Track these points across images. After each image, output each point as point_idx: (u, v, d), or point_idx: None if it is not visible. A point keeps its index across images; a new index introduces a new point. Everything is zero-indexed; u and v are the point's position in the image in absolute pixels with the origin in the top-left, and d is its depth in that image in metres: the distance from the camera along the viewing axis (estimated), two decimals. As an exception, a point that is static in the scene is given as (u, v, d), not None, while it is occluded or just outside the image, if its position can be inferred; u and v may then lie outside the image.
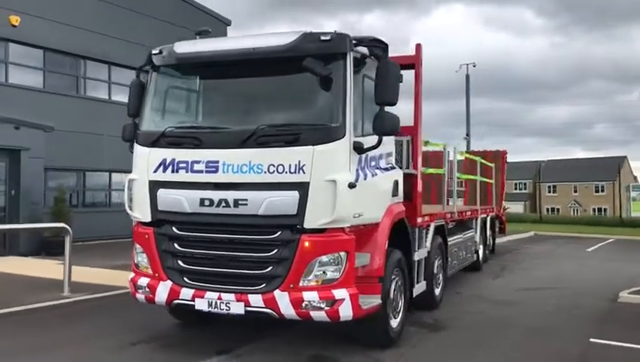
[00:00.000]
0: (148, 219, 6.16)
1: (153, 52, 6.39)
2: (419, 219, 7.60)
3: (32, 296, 8.60)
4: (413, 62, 7.63)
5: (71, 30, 19.12)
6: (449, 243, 9.50)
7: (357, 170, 5.78)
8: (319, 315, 5.55)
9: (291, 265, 5.55)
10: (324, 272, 5.56)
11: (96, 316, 7.86)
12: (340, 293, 5.54)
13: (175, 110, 6.38)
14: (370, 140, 6.03)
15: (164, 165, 6.05)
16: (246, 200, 5.69)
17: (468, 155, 14.05)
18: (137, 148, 6.28)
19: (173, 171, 6.01)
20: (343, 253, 5.59)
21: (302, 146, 5.57)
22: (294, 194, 5.53)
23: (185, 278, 5.98)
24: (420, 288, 7.81)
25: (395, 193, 6.71)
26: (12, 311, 7.87)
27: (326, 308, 5.52)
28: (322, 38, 5.70)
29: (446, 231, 9.25)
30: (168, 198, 6.03)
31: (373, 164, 6.19)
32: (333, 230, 5.59)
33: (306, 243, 5.52)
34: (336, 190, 5.46)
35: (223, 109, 6.35)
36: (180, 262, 6.02)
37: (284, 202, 5.56)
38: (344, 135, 5.59)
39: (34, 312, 7.96)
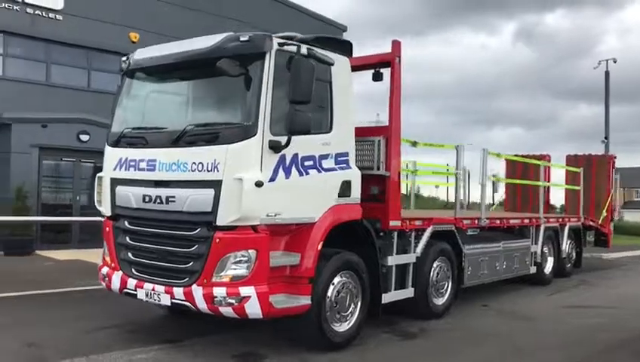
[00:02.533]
0: (109, 213, 6.75)
1: (122, 59, 6.98)
2: (393, 223, 7.30)
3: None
4: (389, 60, 7.38)
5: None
6: (467, 252, 8.90)
7: (275, 168, 5.80)
8: (228, 311, 5.67)
9: (206, 260, 5.75)
10: (234, 269, 5.68)
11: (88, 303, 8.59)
12: (246, 290, 5.61)
13: (135, 112, 6.88)
14: (303, 140, 6.06)
15: (120, 164, 6.59)
16: (174, 197, 6.00)
17: (521, 159, 12.90)
18: (106, 148, 6.91)
19: (126, 169, 6.52)
20: (252, 251, 5.65)
21: (218, 145, 5.76)
22: (210, 192, 5.72)
23: (133, 269, 6.44)
24: (398, 295, 7.49)
25: (343, 194, 6.55)
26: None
27: (233, 304, 5.62)
28: (242, 38, 5.85)
29: (458, 237, 8.68)
30: (122, 194, 6.55)
31: (307, 163, 6.15)
32: (243, 228, 5.69)
33: (217, 240, 5.67)
34: (242, 188, 5.55)
35: (165, 111, 6.74)
36: (129, 254, 6.50)
37: (202, 199, 5.77)
38: (256, 133, 5.66)
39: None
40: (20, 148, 14.86)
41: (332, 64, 6.37)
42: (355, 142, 7.19)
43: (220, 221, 5.67)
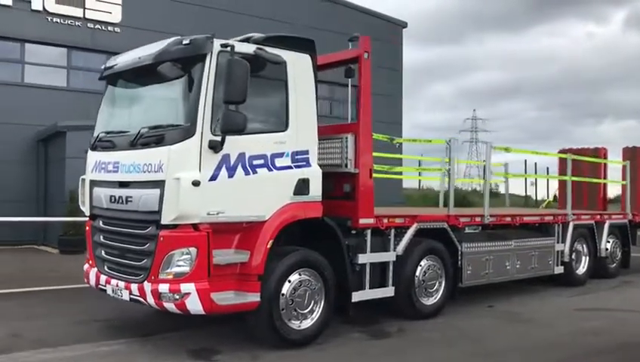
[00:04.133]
0: (88, 213, 7.17)
1: (102, 66, 7.38)
2: (363, 221, 7.19)
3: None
4: (357, 56, 7.28)
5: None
6: (466, 250, 8.56)
7: (216, 168, 5.93)
8: (171, 307, 5.87)
9: (154, 258, 5.98)
10: (177, 266, 5.86)
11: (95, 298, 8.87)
12: (186, 287, 5.78)
13: (109, 117, 7.22)
14: (252, 139, 6.19)
15: (95, 166, 6.99)
16: (132, 197, 6.29)
17: (532, 152, 12.11)
18: (88, 151, 7.34)
19: (99, 171, 6.90)
20: (192, 249, 5.81)
21: (163, 146, 5.99)
22: (157, 192, 5.95)
23: (105, 266, 6.81)
24: (373, 293, 7.37)
25: (300, 192, 6.55)
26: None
27: (175, 300, 5.82)
28: (184, 42, 6.04)
29: (452, 235, 8.37)
30: (96, 195, 6.95)
31: (256, 162, 6.24)
32: (184, 226, 5.87)
33: (162, 238, 5.89)
34: (179, 187, 5.73)
35: (128, 115, 7.01)
36: (102, 252, 6.87)
37: (151, 199, 6.01)
38: (194, 134, 5.82)
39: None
40: (73, 153, 15.93)
41: (281, 63, 6.39)
42: (324, 140, 7.25)
43: (163, 219, 5.88)
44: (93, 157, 7.07)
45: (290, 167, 6.51)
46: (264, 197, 6.30)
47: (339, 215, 7.25)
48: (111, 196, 6.61)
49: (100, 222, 6.91)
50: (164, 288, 5.85)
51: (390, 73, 27.15)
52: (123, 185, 6.45)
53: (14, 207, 16.23)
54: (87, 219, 7.23)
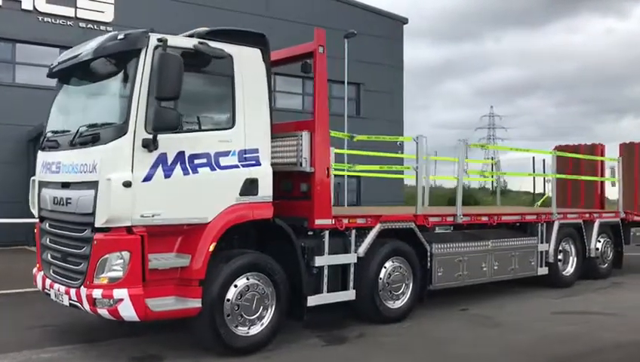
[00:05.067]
0: (36, 214, 6.98)
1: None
2: (320, 221, 6.90)
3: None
4: (312, 51, 6.99)
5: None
6: (437, 251, 8.23)
7: (151, 168, 5.68)
8: (104, 313, 5.64)
9: (89, 262, 5.75)
10: (110, 271, 5.62)
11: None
12: (119, 293, 5.53)
13: (56, 116, 6.98)
14: (193, 137, 5.96)
15: (42, 166, 6.79)
16: (71, 198, 6.07)
17: (511, 148, 11.67)
18: (38, 152, 7.14)
19: (45, 172, 6.70)
20: (125, 253, 5.56)
21: (97, 146, 5.76)
22: (92, 193, 5.72)
23: (50, 270, 6.60)
24: (332, 297, 7.08)
25: (247, 192, 6.28)
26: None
27: (108, 306, 5.58)
28: (119, 37, 5.80)
29: (420, 236, 8.05)
30: (43, 196, 6.74)
31: (197, 161, 5.97)
32: (118, 229, 5.62)
33: (95, 242, 5.66)
34: (110, 189, 5.50)
35: (70, 113, 6.78)
36: (48, 255, 6.66)
37: (87, 201, 5.79)
38: (126, 132, 5.58)
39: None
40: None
41: (225, 57, 6.13)
42: (280, 137, 6.98)
43: (97, 222, 5.65)
44: (40, 157, 6.87)
45: (236, 167, 6.24)
46: (206, 198, 6.03)
47: (296, 215, 6.99)
48: (54, 197, 6.41)
49: (47, 225, 6.71)
50: (97, 293, 5.62)
51: (391, 70, 26.79)
52: (65, 186, 6.24)
53: (6, 208, 16.16)
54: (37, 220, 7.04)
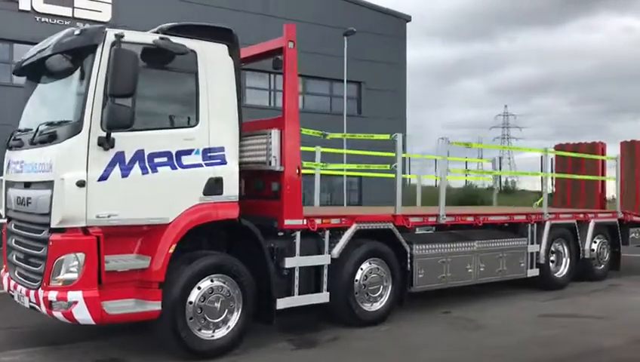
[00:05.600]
0: (3, 215, 6.86)
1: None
2: (290, 221, 6.71)
3: None
4: (281, 47, 6.80)
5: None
6: (418, 253, 8.01)
7: (107, 166, 5.52)
8: (59, 316, 5.50)
9: (46, 263, 5.61)
10: (66, 272, 5.47)
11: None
12: (73, 295, 5.38)
13: (22, 114, 6.86)
14: (153, 135, 5.81)
15: (8, 165, 6.67)
16: (31, 198, 5.94)
17: (489, 146, 11.34)
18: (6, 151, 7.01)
19: (11, 171, 6.58)
20: (80, 254, 5.41)
21: (53, 144, 5.63)
22: (48, 193, 5.58)
23: (15, 271, 6.47)
24: (303, 300, 6.89)
25: (211, 191, 6.10)
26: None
27: (63, 309, 5.44)
28: (75, 32, 5.66)
29: (399, 236, 7.82)
30: (8, 196, 6.62)
31: (157, 160, 5.81)
32: (73, 230, 5.48)
33: (51, 243, 5.51)
34: (64, 188, 5.35)
35: (34, 111, 6.64)
36: (13, 256, 6.53)
37: (44, 201, 5.65)
38: (81, 130, 5.43)
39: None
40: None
41: (188, 53, 5.95)
42: (250, 135, 6.82)
43: (52, 223, 5.51)
44: (7, 156, 6.75)
45: (199, 165, 6.06)
46: (166, 197, 5.86)
47: (267, 216, 6.82)
48: (17, 197, 6.28)
49: (12, 225, 6.59)
50: (53, 296, 5.47)
51: (393, 69, 26.53)
52: (27, 185, 6.11)
53: None
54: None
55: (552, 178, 15.24)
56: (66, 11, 19.04)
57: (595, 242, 11.35)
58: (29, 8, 18.51)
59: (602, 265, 11.51)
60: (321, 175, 9.97)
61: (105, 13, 19.64)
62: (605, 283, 11.13)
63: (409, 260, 7.92)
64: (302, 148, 8.76)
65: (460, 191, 32.49)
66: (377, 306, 7.59)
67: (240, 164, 6.79)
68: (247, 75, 20.49)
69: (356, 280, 7.37)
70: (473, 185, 36.68)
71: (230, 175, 6.25)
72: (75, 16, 19.20)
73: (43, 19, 18.78)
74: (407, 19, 27.26)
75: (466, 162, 12.41)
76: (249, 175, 7.13)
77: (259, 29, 24.31)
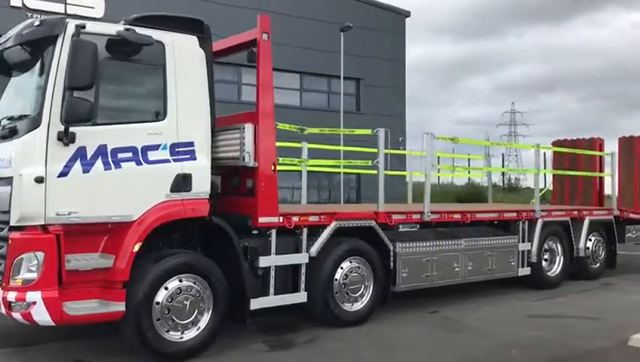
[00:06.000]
0: None
1: None
2: (264, 219, 6.49)
3: None
4: (254, 38, 6.58)
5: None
6: (401, 251, 7.77)
7: (68, 162, 5.32)
8: (18, 317, 5.29)
9: (6, 262, 5.41)
10: (26, 272, 5.27)
11: None
12: (32, 296, 5.18)
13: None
14: (117, 130, 5.61)
15: None
16: None
17: (474, 142, 11.01)
18: None
19: None
20: (39, 253, 5.21)
21: (14, 139, 5.44)
22: (7, 190, 5.39)
23: None
24: (280, 300, 6.69)
25: (179, 188, 5.88)
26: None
27: (22, 309, 5.23)
28: (35, 23, 5.47)
29: (381, 234, 7.60)
30: None
31: (121, 155, 5.61)
32: (32, 228, 5.28)
33: (10, 241, 5.31)
34: (22, 184, 5.16)
35: (2, 105, 6.43)
36: None
37: (4, 198, 5.45)
38: (39, 125, 5.23)
39: None
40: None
41: (153, 44, 5.73)
42: (224, 130, 6.61)
43: (11, 220, 5.31)
44: None
45: (167, 161, 5.85)
46: (131, 194, 5.65)
47: (241, 213, 6.61)
48: None
49: None
50: (12, 296, 5.27)
51: (392, 65, 26.25)
52: None
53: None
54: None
55: (546, 175, 15.03)
56: (58, 7, 18.87)
57: (590, 240, 11.09)
58: (20, 4, 18.36)
59: (598, 264, 11.25)
60: (317, 173, 9.83)
61: (98, 10, 19.47)
62: (600, 281, 10.86)
63: (392, 258, 7.70)
64: (280, 144, 8.61)
65: (463, 189, 32.21)
66: (358, 306, 7.37)
67: (214, 159, 6.62)
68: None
69: (336, 280, 7.15)
70: (476, 183, 36.50)
71: (200, 171, 6.04)
72: (68, 12, 19.00)
73: (35, 16, 18.56)
74: (407, 14, 26.97)
75: (453, 159, 12.10)
76: (227, 171, 6.95)
77: (254, 24, 24.16)
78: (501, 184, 41.00)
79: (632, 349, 6.29)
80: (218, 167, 6.87)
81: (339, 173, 19.26)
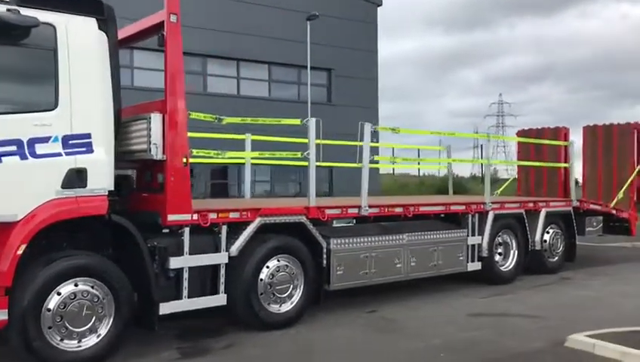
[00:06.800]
0: None
1: None
2: (174, 217, 6.02)
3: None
4: (162, 21, 6.09)
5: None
6: (336, 248, 7.34)
7: None
8: None
9: None
10: None
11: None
12: None
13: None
14: (1, 120, 5.10)
15: None
16: None
17: (414, 131, 10.52)
18: None
19: None
20: None
21: None
22: None
23: None
24: (195, 303, 6.25)
25: (72, 184, 5.38)
26: None
27: None
28: None
29: (313, 230, 7.15)
30: None
31: (2, 149, 5.09)
32: None
33: None
34: None
35: None
36: None
37: None
38: None
39: None
40: None
41: (39, 26, 5.21)
42: (132, 121, 6.15)
43: None
44: None
45: (58, 155, 5.35)
46: (15, 192, 5.15)
47: (152, 210, 6.14)
48: None
49: None
50: None
51: (365, 55, 25.77)
52: None
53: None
54: None
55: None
56: None
57: (548, 233, 10.74)
58: None
59: (556, 257, 10.89)
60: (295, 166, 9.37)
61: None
62: (558, 276, 10.51)
63: (325, 256, 7.26)
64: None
65: (440, 181, 31.93)
66: (288, 307, 6.93)
67: (124, 153, 6.17)
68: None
69: (261, 280, 6.71)
70: (455, 175, 36.21)
71: (97, 165, 5.54)
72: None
73: None
74: (378, 3, 26.45)
75: (393, 149, 11.66)
76: (141, 165, 6.49)
77: (228, 15, 23.59)
78: (480, 175, 40.95)
79: (567, 350, 5.92)
80: (132, 160, 6.43)
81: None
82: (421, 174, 40.78)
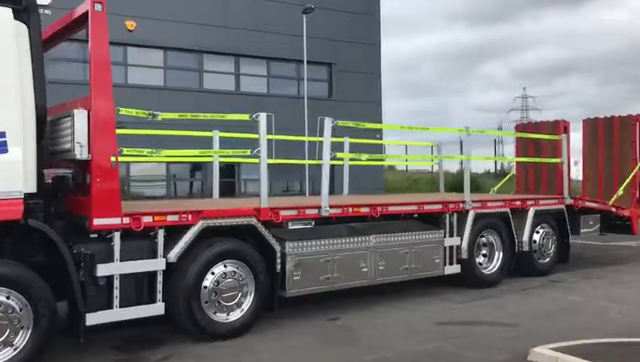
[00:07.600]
0: None
1: None
2: (100, 221, 5.60)
3: None
4: (87, 11, 5.67)
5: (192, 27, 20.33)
6: (292, 251, 6.87)
7: None
8: None
9: None
10: None
11: None
12: None
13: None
14: None
15: None
16: None
17: (387, 126, 9.94)
18: None
19: None
20: None
21: None
22: None
23: None
24: (126, 313, 5.81)
25: None
26: None
27: None
28: None
29: (265, 233, 6.69)
30: None
31: None
32: None
33: None
34: None
35: None
36: None
37: None
38: None
39: None
40: None
41: None
42: (58, 118, 5.76)
43: None
44: None
45: None
46: None
47: (80, 214, 5.74)
48: None
49: None
50: None
51: (367, 49, 25.15)
52: None
53: None
54: None
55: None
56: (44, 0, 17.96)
57: (538, 232, 10.13)
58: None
59: (547, 258, 10.27)
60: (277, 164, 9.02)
61: None
62: (548, 278, 9.90)
63: (279, 260, 6.79)
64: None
65: (452, 177, 31.26)
66: (237, 315, 6.49)
67: (52, 153, 5.78)
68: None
69: (205, 287, 6.26)
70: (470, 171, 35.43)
71: (11, 166, 5.15)
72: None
73: None
74: (366, -6, 25.74)
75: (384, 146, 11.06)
76: (75, 166, 6.08)
77: (220, 11, 23.20)
78: (494, 171, 40.00)
79: (531, 366, 5.37)
80: (67, 160, 6.03)
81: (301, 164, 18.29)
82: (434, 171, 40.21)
